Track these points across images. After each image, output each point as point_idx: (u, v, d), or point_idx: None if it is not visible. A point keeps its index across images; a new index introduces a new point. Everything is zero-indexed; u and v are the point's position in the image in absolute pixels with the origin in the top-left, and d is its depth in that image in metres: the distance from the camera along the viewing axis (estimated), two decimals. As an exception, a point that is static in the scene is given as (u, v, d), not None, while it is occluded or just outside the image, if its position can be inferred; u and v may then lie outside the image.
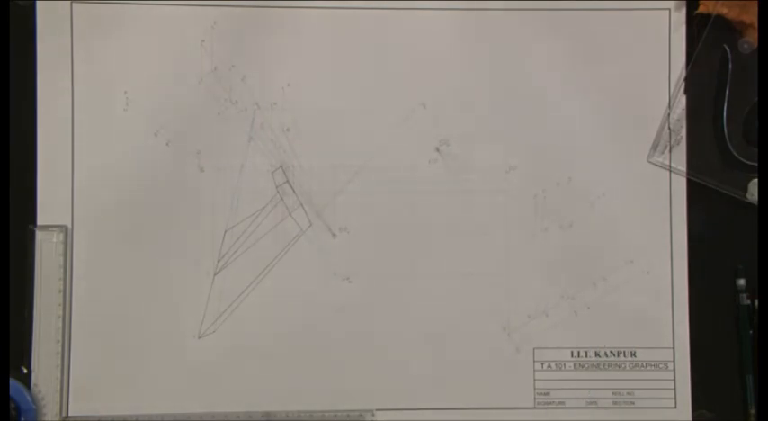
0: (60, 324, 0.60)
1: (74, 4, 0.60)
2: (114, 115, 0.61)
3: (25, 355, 0.60)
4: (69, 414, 0.60)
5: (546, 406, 0.62)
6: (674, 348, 0.62)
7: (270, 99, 0.61)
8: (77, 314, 0.60)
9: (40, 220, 0.60)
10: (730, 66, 0.61)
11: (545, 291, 0.62)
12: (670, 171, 0.62)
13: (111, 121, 0.61)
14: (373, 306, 0.61)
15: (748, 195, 0.62)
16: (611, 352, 0.62)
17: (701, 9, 0.61)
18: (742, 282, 0.62)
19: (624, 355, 0.62)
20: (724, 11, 0.60)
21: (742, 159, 0.62)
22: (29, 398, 0.59)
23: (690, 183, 0.62)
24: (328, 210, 0.61)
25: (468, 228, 0.62)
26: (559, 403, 0.62)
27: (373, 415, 0.61)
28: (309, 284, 0.61)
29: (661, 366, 0.62)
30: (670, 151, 0.62)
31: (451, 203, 0.62)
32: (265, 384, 0.61)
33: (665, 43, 0.62)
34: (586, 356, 0.62)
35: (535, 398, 0.62)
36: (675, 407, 0.62)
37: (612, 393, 0.62)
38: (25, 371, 0.59)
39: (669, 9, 0.62)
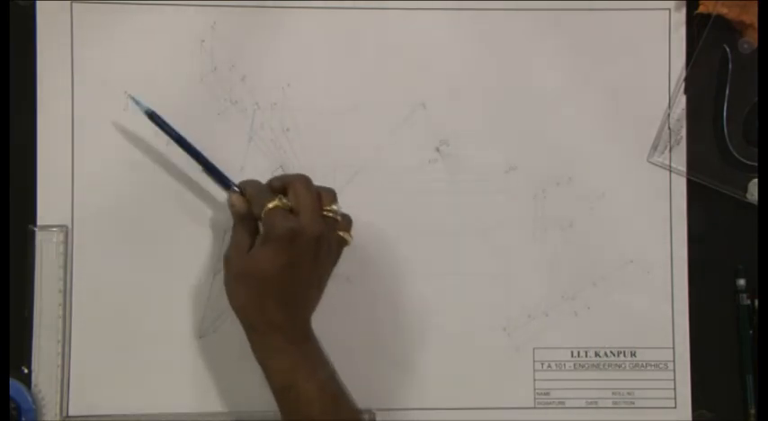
0: (60, 324, 0.60)
1: (74, 4, 0.60)
2: (114, 115, 0.61)
3: (25, 355, 0.60)
4: (69, 414, 0.60)
5: (546, 406, 0.62)
6: (674, 348, 0.62)
7: (270, 99, 0.61)
8: (77, 314, 0.60)
9: (40, 220, 0.60)
10: (730, 66, 0.61)
11: (545, 291, 0.62)
12: (670, 171, 0.62)
13: (111, 121, 0.60)
14: (373, 306, 0.61)
15: (748, 195, 0.62)
16: (611, 352, 0.62)
17: (701, 9, 0.61)
18: (742, 282, 0.62)
19: (624, 355, 0.62)
20: (724, 11, 0.60)
21: (742, 159, 0.62)
22: (29, 398, 0.59)
23: (690, 183, 0.62)
24: (328, 210, 0.61)
25: (468, 228, 0.62)
26: (559, 403, 0.62)
27: (373, 415, 0.61)
28: (309, 284, 0.61)
29: (661, 366, 0.62)
30: (670, 151, 0.62)
31: (451, 203, 0.62)
32: (265, 384, 0.61)
33: (665, 43, 0.62)
34: (586, 356, 0.62)
35: (535, 398, 0.62)
36: (675, 407, 0.62)
37: (612, 393, 0.62)
38: (25, 371, 0.59)
39: (669, 9, 0.62)
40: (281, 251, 0.52)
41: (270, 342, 0.54)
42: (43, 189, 0.60)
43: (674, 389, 0.62)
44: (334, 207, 0.55)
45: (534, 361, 0.62)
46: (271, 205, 0.53)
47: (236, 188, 0.57)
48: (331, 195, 0.56)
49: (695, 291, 0.62)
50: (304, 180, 0.55)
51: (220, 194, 0.61)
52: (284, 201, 0.54)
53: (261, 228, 0.54)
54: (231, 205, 0.56)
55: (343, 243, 0.56)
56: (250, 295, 0.53)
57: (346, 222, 0.57)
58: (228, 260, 0.55)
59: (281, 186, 0.55)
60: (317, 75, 0.61)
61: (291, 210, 0.53)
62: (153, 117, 0.57)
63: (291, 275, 0.53)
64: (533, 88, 0.62)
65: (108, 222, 0.60)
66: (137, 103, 0.57)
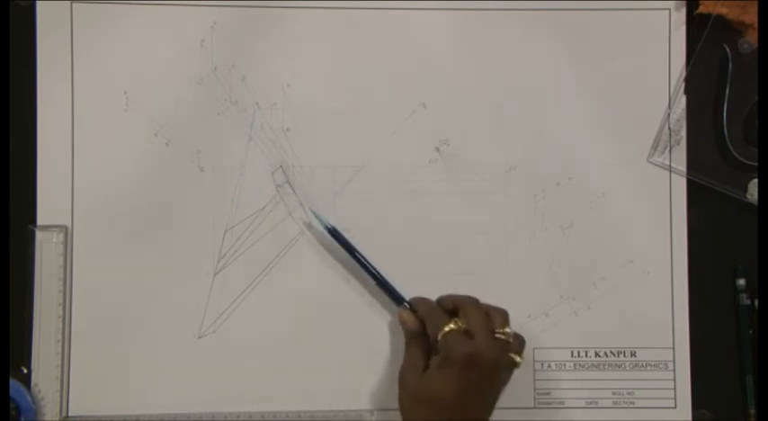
0: (60, 324, 0.60)
1: (74, 4, 0.60)
2: (114, 115, 0.61)
3: (25, 355, 0.60)
4: (69, 414, 0.60)
5: (546, 406, 0.62)
6: (674, 348, 0.62)
7: (270, 99, 0.61)
8: (77, 314, 0.60)
9: (40, 220, 0.60)
10: (730, 66, 0.61)
11: (545, 291, 0.62)
12: (670, 171, 0.62)
13: (111, 121, 0.61)
14: (373, 306, 0.61)
15: (748, 195, 0.62)
16: (611, 352, 0.62)
17: (701, 9, 0.61)
18: (742, 282, 0.62)
19: (624, 355, 0.62)
20: (724, 11, 0.60)
21: (742, 159, 0.62)
22: (29, 398, 0.59)
23: (690, 183, 0.62)
24: (328, 210, 0.61)
25: (469, 228, 0.62)
26: (559, 403, 0.62)
27: (373, 415, 0.61)
28: (309, 284, 0.61)
29: (661, 366, 0.62)
30: (670, 151, 0.62)
31: (451, 203, 0.62)
32: (265, 384, 0.61)
33: (665, 43, 0.62)
34: (586, 356, 0.62)
35: (535, 398, 0.62)
36: (675, 407, 0.62)
37: (612, 393, 0.62)
38: (25, 371, 0.59)
39: (669, 9, 0.62)
40: (460, 376, 0.53)
41: None
42: (43, 189, 0.60)
43: (674, 389, 0.62)
44: (507, 330, 0.56)
45: (534, 361, 0.62)
46: (447, 329, 0.55)
47: (406, 304, 0.59)
48: (502, 317, 0.56)
49: (695, 291, 0.62)
50: (474, 302, 0.57)
51: (220, 194, 0.61)
52: (459, 323, 0.55)
53: (438, 348, 0.55)
54: (403, 322, 0.58)
55: (514, 365, 0.56)
56: (426, 417, 0.54)
57: (518, 344, 0.57)
58: (405, 379, 0.56)
59: (451, 306, 0.57)
60: (317, 75, 0.61)
61: (466, 333, 0.54)
62: (333, 233, 0.59)
63: (467, 399, 0.53)
64: (533, 88, 0.62)
65: (108, 222, 0.60)
66: (317, 217, 0.59)
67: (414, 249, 0.62)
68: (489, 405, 0.55)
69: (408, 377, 0.56)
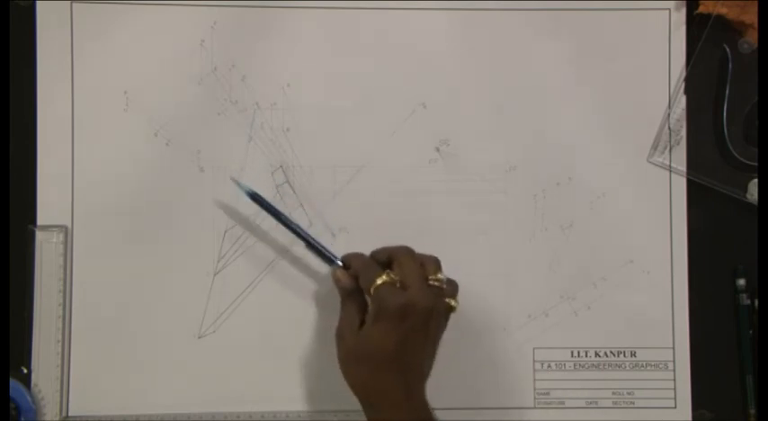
0: (60, 324, 0.60)
1: (74, 4, 0.60)
2: (114, 115, 0.61)
3: (25, 355, 0.60)
4: (69, 414, 0.60)
5: (546, 406, 0.62)
6: (674, 348, 0.62)
7: (270, 99, 0.61)
8: (77, 314, 0.60)
9: (40, 220, 0.60)
10: (730, 66, 0.61)
11: (545, 290, 0.62)
12: (670, 171, 0.62)
13: (111, 121, 0.60)
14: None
15: (748, 195, 0.62)
16: (611, 352, 0.62)
17: (701, 9, 0.61)
18: (742, 282, 0.62)
19: (624, 355, 0.62)
20: (724, 11, 0.60)
21: (742, 159, 0.62)
22: (29, 398, 0.59)
23: (690, 183, 0.62)
24: (328, 210, 0.61)
25: (468, 228, 0.62)
26: (559, 403, 0.62)
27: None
28: (309, 284, 0.61)
29: (661, 366, 0.62)
30: (670, 151, 0.62)
31: (451, 203, 0.62)
32: (265, 384, 0.61)
33: (665, 43, 0.62)
34: (586, 356, 0.62)
35: (535, 398, 0.62)
36: (675, 407, 0.62)
37: (612, 393, 0.62)
38: (25, 371, 0.59)
39: (669, 9, 0.62)
40: (395, 328, 0.52)
41: (390, 418, 0.53)
42: (43, 189, 0.60)
43: (674, 389, 0.62)
44: (440, 276, 0.55)
45: (534, 361, 0.62)
46: (379, 281, 0.53)
47: (339, 263, 0.57)
48: (435, 264, 0.55)
49: (695, 291, 0.62)
50: (408, 252, 0.56)
51: (220, 194, 0.61)
52: (392, 275, 0.54)
53: (370, 303, 0.54)
54: (337, 280, 0.57)
55: (450, 310, 0.55)
56: (367, 373, 0.53)
57: (452, 289, 0.56)
58: (342, 337, 0.55)
59: (385, 258, 0.56)
60: (317, 75, 0.61)
61: (399, 284, 0.53)
62: (255, 197, 0.58)
63: (406, 350, 0.52)
64: (533, 88, 0.62)
65: (108, 222, 0.60)
66: (238, 184, 0.59)
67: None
68: (429, 354, 0.54)
69: (345, 335, 0.54)
